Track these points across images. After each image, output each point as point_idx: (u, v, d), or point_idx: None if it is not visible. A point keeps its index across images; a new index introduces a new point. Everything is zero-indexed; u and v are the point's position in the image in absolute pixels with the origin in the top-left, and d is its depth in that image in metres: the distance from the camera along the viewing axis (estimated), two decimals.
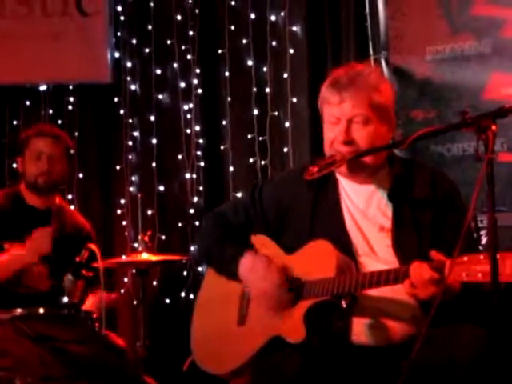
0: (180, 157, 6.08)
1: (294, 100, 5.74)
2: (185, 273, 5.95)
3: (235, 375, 3.14)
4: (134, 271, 5.70)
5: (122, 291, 5.99)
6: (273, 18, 5.87)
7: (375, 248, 3.05)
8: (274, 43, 5.85)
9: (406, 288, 2.77)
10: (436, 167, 4.64)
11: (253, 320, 3.13)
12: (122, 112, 6.21)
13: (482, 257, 2.57)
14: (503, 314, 2.48)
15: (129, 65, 6.23)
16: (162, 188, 6.13)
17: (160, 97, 6.19)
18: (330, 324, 2.96)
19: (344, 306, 2.92)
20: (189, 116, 6.10)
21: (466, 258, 2.62)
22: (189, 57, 6.09)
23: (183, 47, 6.10)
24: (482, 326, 2.75)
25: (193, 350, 3.30)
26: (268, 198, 3.27)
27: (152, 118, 6.18)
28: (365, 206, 3.11)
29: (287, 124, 5.77)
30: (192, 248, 5.99)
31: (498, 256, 2.50)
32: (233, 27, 5.98)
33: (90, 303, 4.18)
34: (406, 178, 3.12)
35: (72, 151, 4.64)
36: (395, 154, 3.21)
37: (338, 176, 3.18)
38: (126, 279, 6.02)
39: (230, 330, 3.18)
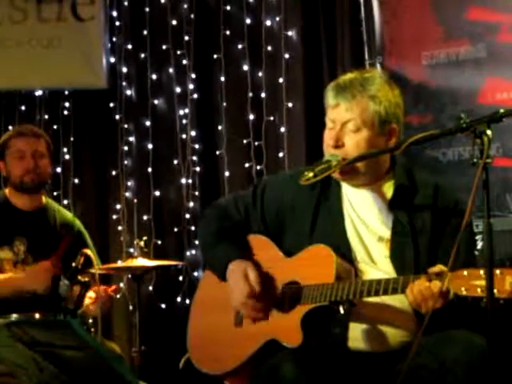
0: (176, 162, 6.08)
1: (290, 105, 5.75)
2: (180, 278, 5.95)
3: (230, 375, 3.15)
4: (129, 276, 5.70)
5: (118, 296, 5.98)
6: (268, 22, 5.87)
7: (374, 257, 3.05)
8: (269, 48, 5.86)
9: (409, 301, 2.79)
10: (432, 172, 4.68)
11: (250, 322, 3.12)
12: (117, 117, 6.22)
13: (481, 272, 2.57)
14: (500, 321, 2.48)
15: (124, 70, 6.24)
16: (157, 193, 6.13)
17: (155, 102, 6.20)
18: (327, 329, 2.97)
19: (342, 311, 2.92)
20: (184, 121, 6.10)
21: (465, 273, 2.62)
22: (184, 62, 6.10)
23: (179, 52, 6.10)
24: (478, 332, 2.76)
25: (189, 350, 3.30)
26: (269, 199, 3.26)
27: (148, 123, 6.18)
28: (365, 215, 3.10)
29: (283, 129, 5.77)
30: (188, 253, 5.99)
31: (497, 272, 2.52)
32: (228, 32, 5.99)
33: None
34: (408, 188, 3.10)
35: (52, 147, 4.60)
36: (399, 162, 3.19)
37: (340, 182, 3.18)
38: (121, 284, 6.01)
39: (226, 331, 3.18)
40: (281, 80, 5.79)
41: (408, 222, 3.04)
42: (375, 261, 3.04)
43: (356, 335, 2.97)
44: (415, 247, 3.01)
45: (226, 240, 3.21)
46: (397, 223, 3.04)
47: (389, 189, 3.12)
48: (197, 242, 5.87)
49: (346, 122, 3.04)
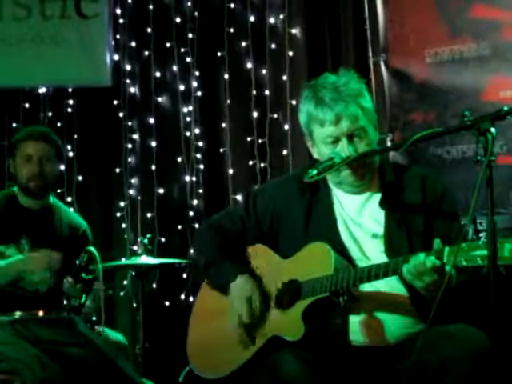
0: (179, 159, 6.08)
1: (294, 102, 5.74)
2: (184, 275, 5.95)
3: (236, 376, 3.15)
4: (133, 274, 5.70)
5: (122, 294, 5.99)
6: (272, 20, 5.87)
7: (369, 254, 3.07)
8: (273, 46, 5.86)
9: (405, 276, 2.79)
10: (435, 170, 4.69)
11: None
12: (121, 115, 6.22)
13: (480, 243, 2.59)
14: (502, 316, 2.48)
15: (128, 67, 6.24)
16: (161, 191, 6.13)
17: (159, 99, 6.20)
18: (328, 322, 2.98)
19: (342, 303, 2.93)
20: (188, 119, 6.10)
21: (464, 245, 2.63)
22: (188, 59, 6.10)
23: (182, 50, 6.11)
24: (482, 326, 2.76)
25: (191, 360, 3.31)
26: (262, 207, 3.29)
27: (151, 121, 6.18)
28: (357, 215, 3.14)
29: (286, 126, 5.77)
30: (192, 251, 5.98)
31: None
32: (232, 30, 5.99)
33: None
34: (396, 184, 3.14)
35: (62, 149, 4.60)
36: (384, 160, 3.22)
37: (330, 185, 3.20)
38: (125, 282, 6.02)
39: (227, 335, 3.18)
40: (284, 78, 5.79)
41: (400, 217, 3.07)
42: (370, 258, 3.06)
43: (356, 328, 2.99)
44: (409, 240, 3.03)
45: (228, 255, 3.25)
46: (389, 219, 3.07)
47: (378, 187, 3.15)
48: None
49: (352, 132, 3.04)
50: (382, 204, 3.10)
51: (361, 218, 3.12)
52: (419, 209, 3.08)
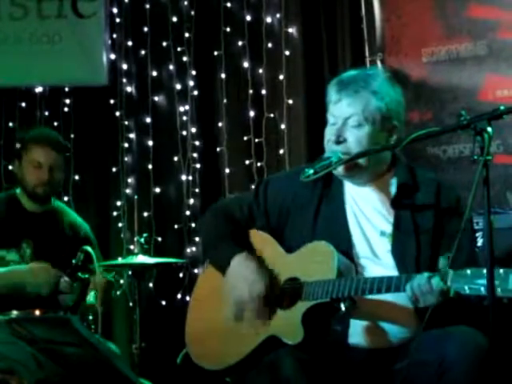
0: (176, 159, 6.08)
1: (290, 102, 5.75)
2: (181, 275, 5.95)
3: (230, 371, 3.14)
4: (129, 273, 5.69)
5: (118, 293, 5.98)
6: (269, 19, 5.87)
7: (376, 251, 3.05)
8: (269, 45, 5.86)
9: (408, 294, 2.78)
10: (432, 169, 4.69)
11: (250, 318, 3.11)
12: (117, 114, 6.21)
13: (485, 271, 2.57)
14: (502, 321, 2.49)
15: (125, 67, 6.23)
16: (158, 190, 6.13)
17: (156, 99, 6.19)
18: (328, 326, 2.96)
19: (343, 309, 2.92)
20: (185, 118, 6.10)
21: (468, 272, 2.62)
22: (185, 59, 6.10)
23: (179, 49, 6.10)
24: (480, 328, 2.76)
25: (188, 345, 3.28)
26: (272, 196, 3.26)
27: (148, 120, 6.18)
28: (367, 210, 3.12)
29: (283, 126, 5.78)
30: (188, 250, 5.99)
31: (501, 271, 2.51)
32: (229, 29, 5.99)
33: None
34: (411, 185, 3.12)
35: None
36: (401, 159, 3.20)
37: (343, 179, 3.18)
38: (121, 281, 6.01)
39: (226, 326, 3.16)
40: (281, 77, 5.79)
41: (410, 219, 3.05)
42: (378, 255, 3.05)
43: (356, 331, 2.97)
44: (417, 243, 3.02)
45: (228, 239, 3.20)
46: (399, 219, 3.06)
47: (390, 186, 3.14)
48: (197, 239, 5.88)
49: (348, 118, 3.06)
50: (394, 203, 3.08)
51: (371, 214, 3.10)
52: (431, 213, 3.06)
